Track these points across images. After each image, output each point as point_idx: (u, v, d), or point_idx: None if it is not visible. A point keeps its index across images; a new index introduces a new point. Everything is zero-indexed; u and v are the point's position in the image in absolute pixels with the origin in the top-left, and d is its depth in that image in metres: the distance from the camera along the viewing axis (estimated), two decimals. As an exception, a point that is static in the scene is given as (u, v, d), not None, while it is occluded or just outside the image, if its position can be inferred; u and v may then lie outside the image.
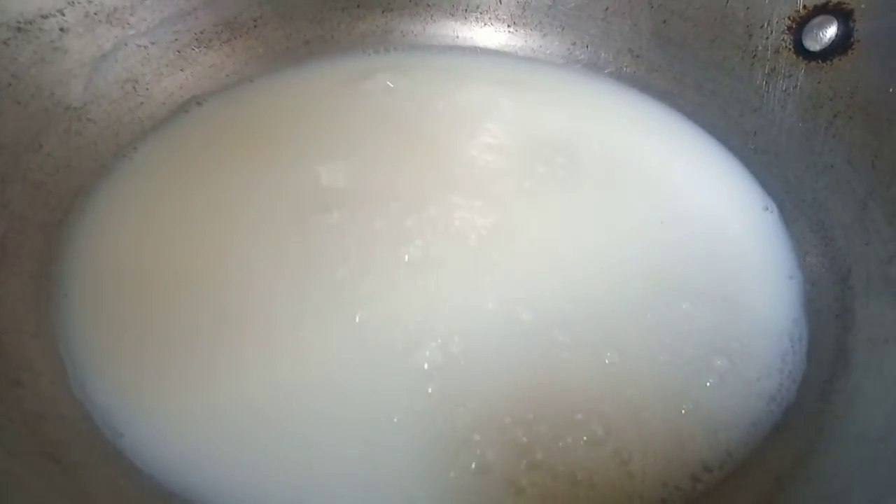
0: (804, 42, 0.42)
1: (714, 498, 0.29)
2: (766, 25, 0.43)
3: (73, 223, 0.38)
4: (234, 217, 0.38)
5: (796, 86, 0.42)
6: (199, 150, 0.43)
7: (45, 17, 0.39)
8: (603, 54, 0.51)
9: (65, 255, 0.36)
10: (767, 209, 0.42)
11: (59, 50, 0.40)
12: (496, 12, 0.53)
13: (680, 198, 0.42)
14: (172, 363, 0.32)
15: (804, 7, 0.42)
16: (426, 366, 0.32)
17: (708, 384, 0.33)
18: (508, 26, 0.53)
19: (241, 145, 0.43)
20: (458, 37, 0.53)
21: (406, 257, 0.36)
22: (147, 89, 0.45)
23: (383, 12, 0.52)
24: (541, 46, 0.52)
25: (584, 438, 0.30)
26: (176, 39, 0.46)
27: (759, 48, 0.44)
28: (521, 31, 0.53)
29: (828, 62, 0.40)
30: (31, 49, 0.39)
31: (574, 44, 0.51)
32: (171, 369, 0.32)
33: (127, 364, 0.32)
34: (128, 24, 0.43)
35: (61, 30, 0.40)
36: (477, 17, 0.53)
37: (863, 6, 0.39)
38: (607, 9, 0.50)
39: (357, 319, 0.34)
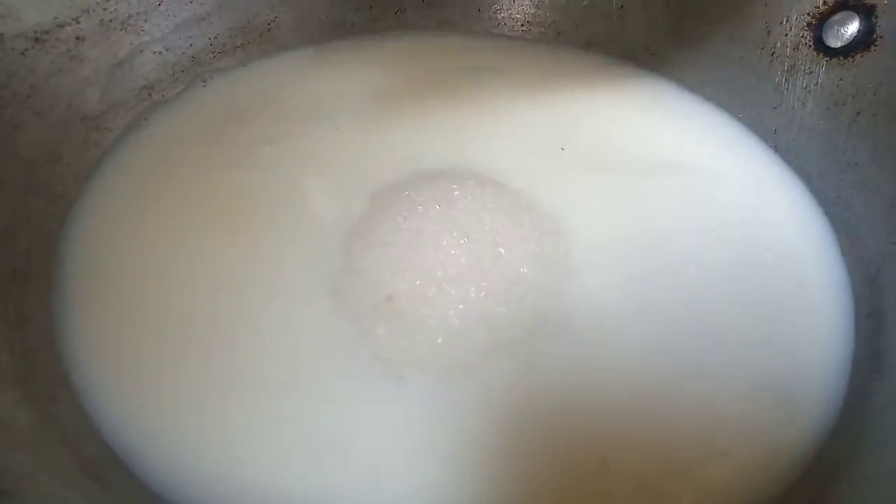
0: (825, 39, 0.41)
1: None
2: (784, 22, 0.43)
3: (83, 233, 0.37)
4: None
5: (817, 83, 0.42)
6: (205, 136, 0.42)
7: (61, 25, 0.39)
8: (619, 53, 0.50)
9: (73, 265, 0.36)
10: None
11: (76, 59, 0.40)
12: (510, 11, 0.52)
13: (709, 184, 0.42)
14: (191, 380, 0.31)
15: (824, 3, 0.41)
16: None
17: (785, 366, 0.33)
18: (522, 25, 0.52)
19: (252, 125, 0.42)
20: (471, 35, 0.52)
21: (447, 242, 0.36)
22: (163, 96, 0.44)
23: (396, 13, 0.51)
24: (555, 45, 0.52)
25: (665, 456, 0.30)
26: (191, 45, 0.45)
27: (778, 45, 0.44)
28: (535, 29, 0.52)
29: (849, 59, 0.40)
30: (49, 59, 0.38)
31: (588, 42, 0.51)
32: (189, 388, 0.31)
33: (138, 384, 0.31)
34: (143, 30, 0.43)
35: (77, 38, 0.40)
36: (490, 17, 0.52)
37: (885, 1, 0.38)
38: (622, 7, 0.49)
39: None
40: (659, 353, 0.33)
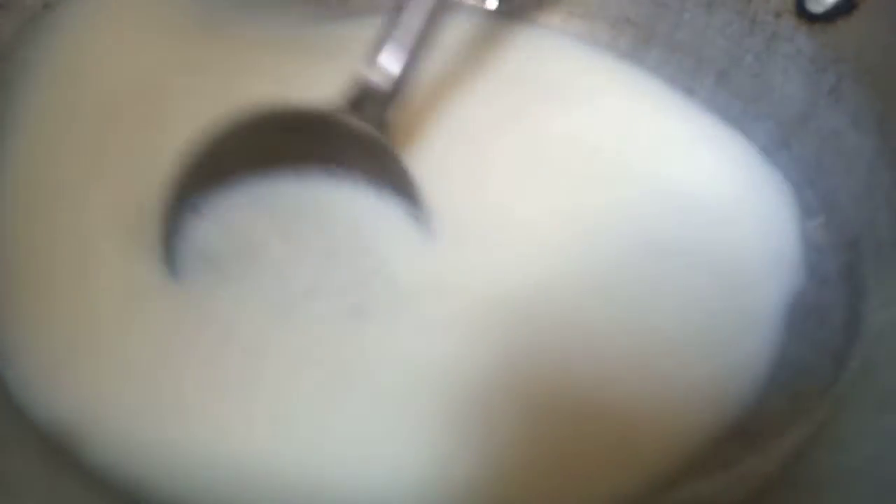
0: (807, 4, 0.41)
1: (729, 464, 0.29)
2: (767, -12, 0.42)
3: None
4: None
5: (798, 50, 0.41)
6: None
7: None
8: (599, 24, 0.49)
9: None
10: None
11: None
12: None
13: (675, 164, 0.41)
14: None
15: (806, -33, 0.41)
16: None
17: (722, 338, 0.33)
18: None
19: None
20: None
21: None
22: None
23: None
24: (535, 16, 0.51)
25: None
26: None
27: (760, 12, 0.43)
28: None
29: (832, 24, 0.40)
30: None
31: (570, 13, 0.50)
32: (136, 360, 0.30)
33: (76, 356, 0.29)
34: None
35: None
36: (469, -13, 0.51)
37: (868, -35, 0.38)
38: (602, -24, 0.48)
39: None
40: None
